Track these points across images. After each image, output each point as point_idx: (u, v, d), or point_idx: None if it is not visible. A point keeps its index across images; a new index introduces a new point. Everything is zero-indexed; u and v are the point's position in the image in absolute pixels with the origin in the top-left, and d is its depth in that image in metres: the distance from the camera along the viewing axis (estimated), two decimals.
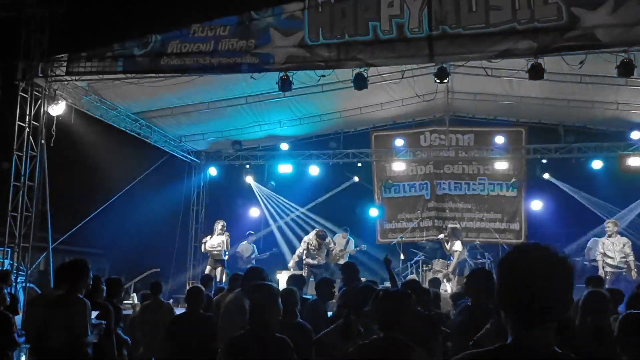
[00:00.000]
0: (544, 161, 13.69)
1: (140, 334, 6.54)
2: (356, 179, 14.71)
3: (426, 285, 8.39)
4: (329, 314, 5.94)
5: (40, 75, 9.26)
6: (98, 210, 12.23)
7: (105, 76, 9.34)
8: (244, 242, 13.24)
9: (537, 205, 13.93)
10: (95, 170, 13.89)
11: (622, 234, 10.78)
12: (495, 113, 13.93)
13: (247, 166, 14.81)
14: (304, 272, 11.77)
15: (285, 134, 13.93)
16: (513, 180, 14.15)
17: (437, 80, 9.01)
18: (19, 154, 9.25)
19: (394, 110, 13.41)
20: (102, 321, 4.69)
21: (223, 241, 11.92)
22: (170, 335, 5.38)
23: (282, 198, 15.08)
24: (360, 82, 8.97)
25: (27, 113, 9.32)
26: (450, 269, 10.89)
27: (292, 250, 13.09)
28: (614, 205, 12.73)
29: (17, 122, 9.27)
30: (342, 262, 12.33)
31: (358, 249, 12.52)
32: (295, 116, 13.04)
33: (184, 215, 14.32)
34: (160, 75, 9.19)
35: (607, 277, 9.75)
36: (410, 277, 10.16)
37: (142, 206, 13.56)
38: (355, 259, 11.88)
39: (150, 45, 8.85)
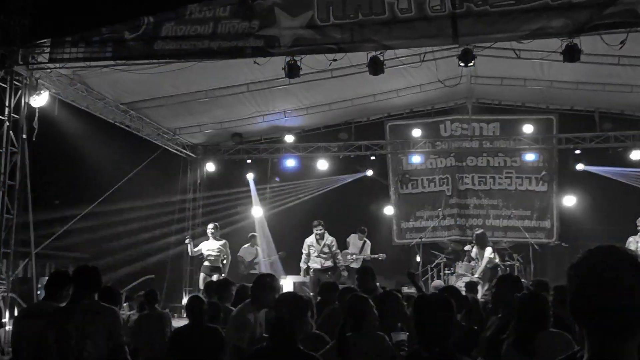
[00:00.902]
0: (578, 152, 13.59)
1: (138, 346, 6.53)
2: (370, 173, 14.62)
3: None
4: None
5: (21, 62, 9.20)
6: (85, 212, 12.21)
7: (93, 63, 9.29)
8: (245, 245, 13.20)
9: (570, 200, 13.87)
10: (81, 167, 13.90)
11: None
12: (523, 99, 13.87)
13: (249, 161, 14.77)
14: (307, 279, 11.74)
15: (290, 125, 13.88)
16: (543, 173, 14.11)
17: (462, 64, 8.93)
18: None
19: (411, 97, 13.36)
20: None
21: (221, 249, 11.88)
22: (172, 351, 5.36)
23: (286, 196, 15.00)
24: (376, 67, 8.87)
25: (7, 105, 9.26)
26: (478, 274, 10.82)
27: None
28: None
29: None
30: (354, 265, 12.31)
31: (376, 256, 12.34)
32: (302, 105, 13.01)
33: (180, 215, 14.30)
34: (153, 61, 9.14)
35: None
36: (437, 282, 10.10)
37: (134, 206, 13.54)
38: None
39: (142, 28, 8.79)
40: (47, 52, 9.23)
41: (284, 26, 8.38)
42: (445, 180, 14.61)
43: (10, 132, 9.29)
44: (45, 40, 9.26)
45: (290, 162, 14.53)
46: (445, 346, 2.95)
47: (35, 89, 9.45)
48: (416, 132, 14.20)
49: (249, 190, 14.96)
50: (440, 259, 12.65)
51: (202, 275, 11.81)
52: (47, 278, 6.17)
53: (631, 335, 1.54)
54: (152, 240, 14.05)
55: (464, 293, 7.05)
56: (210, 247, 11.94)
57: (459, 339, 3.66)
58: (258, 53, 8.66)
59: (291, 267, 13.17)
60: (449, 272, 12.12)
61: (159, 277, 12.75)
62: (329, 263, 11.69)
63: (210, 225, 12.15)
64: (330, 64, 9.33)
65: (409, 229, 14.66)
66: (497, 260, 11.33)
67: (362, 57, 9.02)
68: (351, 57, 9.21)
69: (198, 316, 5.41)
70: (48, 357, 4.28)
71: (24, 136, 9.41)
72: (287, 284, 12.90)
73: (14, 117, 9.35)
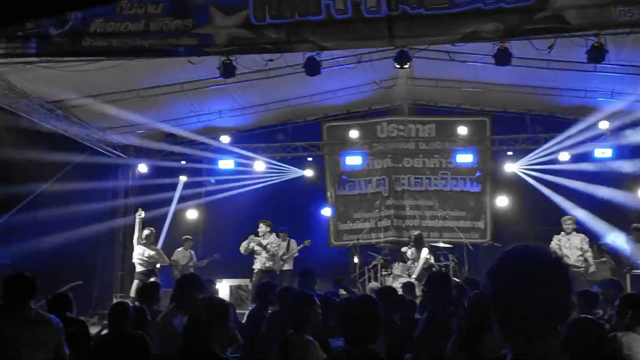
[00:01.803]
0: (510, 153, 14.02)
1: None
2: (306, 173, 14.69)
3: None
4: None
5: None
6: (6, 217, 11.72)
7: (15, 59, 8.96)
8: (179, 249, 13.04)
9: (503, 201, 14.20)
10: (2, 170, 13.28)
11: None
12: (458, 101, 14.24)
13: (183, 162, 14.56)
14: (249, 281, 11.67)
15: (226, 125, 13.78)
16: (478, 174, 14.45)
17: (398, 66, 9.11)
18: None
19: (348, 98, 13.54)
20: None
21: (155, 256, 11.67)
22: None
23: (221, 197, 14.85)
24: (312, 68, 8.95)
25: None
26: (415, 274, 11.07)
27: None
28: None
29: None
30: (286, 267, 12.35)
31: (301, 246, 12.50)
32: (238, 105, 12.95)
33: (110, 220, 13.93)
34: (81, 58, 8.90)
35: None
36: (374, 284, 10.26)
37: (61, 210, 13.06)
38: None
39: (69, 23, 8.52)
40: None
41: (219, 25, 8.30)
42: (382, 181, 14.83)
43: None
44: None
45: (226, 164, 14.41)
46: (374, 346, 3.02)
47: None
48: (353, 133, 14.34)
49: (184, 191, 14.80)
50: (377, 261, 12.83)
51: (135, 282, 11.47)
52: None
53: (550, 331, 1.61)
54: (81, 244, 13.59)
55: (400, 293, 7.22)
56: (144, 253, 11.66)
57: (394, 339, 3.75)
58: (192, 52, 8.57)
59: (228, 269, 13.10)
60: (385, 273, 12.29)
61: (88, 284, 12.42)
62: (269, 264, 11.75)
63: (146, 231, 11.87)
64: (267, 64, 9.34)
65: (346, 231, 14.81)
66: (432, 260, 11.62)
67: (298, 58, 9.08)
68: (288, 58, 9.25)
69: (119, 322, 5.07)
70: None
71: None
72: (223, 287, 12.83)
73: None
